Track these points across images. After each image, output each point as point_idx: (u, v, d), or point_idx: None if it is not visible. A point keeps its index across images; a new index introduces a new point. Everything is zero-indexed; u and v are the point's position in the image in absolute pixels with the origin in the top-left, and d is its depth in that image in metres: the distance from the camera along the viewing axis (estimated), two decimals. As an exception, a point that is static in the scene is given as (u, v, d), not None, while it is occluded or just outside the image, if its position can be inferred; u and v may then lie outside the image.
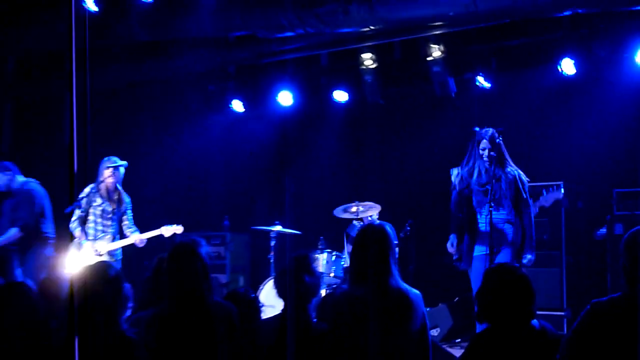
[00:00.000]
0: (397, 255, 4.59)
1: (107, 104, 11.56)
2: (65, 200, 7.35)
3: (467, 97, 9.70)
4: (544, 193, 7.66)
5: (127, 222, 7.80)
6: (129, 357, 3.95)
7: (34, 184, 8.37)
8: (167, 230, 7.56)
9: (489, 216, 6.36)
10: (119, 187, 7.76)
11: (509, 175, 6.52)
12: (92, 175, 7.48)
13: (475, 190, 6.60)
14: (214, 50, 10.21)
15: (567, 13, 7.97)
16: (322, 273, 8.42)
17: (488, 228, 6.35)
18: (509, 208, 6.51)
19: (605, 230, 8.52)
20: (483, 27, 8.46)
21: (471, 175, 6.61)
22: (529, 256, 6.46)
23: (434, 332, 8.48)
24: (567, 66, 8.77)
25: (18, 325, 3.99)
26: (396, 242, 7.91)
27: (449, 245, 6.75)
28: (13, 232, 8.00)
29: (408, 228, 9.04)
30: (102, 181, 7.65)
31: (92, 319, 3.84)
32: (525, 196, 6.53)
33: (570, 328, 3.73)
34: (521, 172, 6.62)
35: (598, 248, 8.61)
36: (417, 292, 4.46)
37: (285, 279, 4.40)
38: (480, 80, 9.42)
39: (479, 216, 6.57)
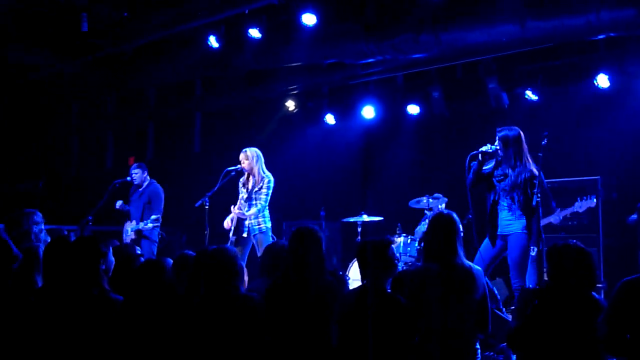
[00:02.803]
0: (461, 238, 4.54)
1: (226, 121, 11.83)
2: (194, 196, 7.63)
3: (518, 108, 9.49)
4: (579, 200, 7.43)
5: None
6: (251, 317, 4.02)
7: (158, 184, 8.70)
8: (239, 211, 7.46)
9: (490, 203, 6.10)
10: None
11: (522, 173, 6.00)
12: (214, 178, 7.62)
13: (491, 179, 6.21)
14: (311, 75, 10.35)
15: (601, 37, 7.77)
16: (400, 253, 8.42)
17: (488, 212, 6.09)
18: (511, 200, 6.04)
19: (636, 216, 8.23)
20: (531, 49, 8.29)
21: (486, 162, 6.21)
22: (534, 247, 5.88)
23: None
24: (602, 81, 8.52)
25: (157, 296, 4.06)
26: (461, 228, 7.84)
27: None
28: (154, 219, 8.26)
29: (470, 216, 8.87)
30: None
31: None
32: (530, 193, 5.93)
33: (607, 303, 3.63)
34: (536, 172, 6.04)
35: (630, 231, 8.31)
36: (479, 267, 4.44)
37: (364, 256, 4.34)
38: (529, 94, 9.23)
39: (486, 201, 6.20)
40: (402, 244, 8.55)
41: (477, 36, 8.01)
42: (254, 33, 9.05)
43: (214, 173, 7.80)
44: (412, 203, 8.91)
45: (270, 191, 7.48)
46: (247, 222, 7.45)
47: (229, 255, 4.13)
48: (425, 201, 8.72)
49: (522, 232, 5.97)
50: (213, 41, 9.50)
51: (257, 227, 7.47)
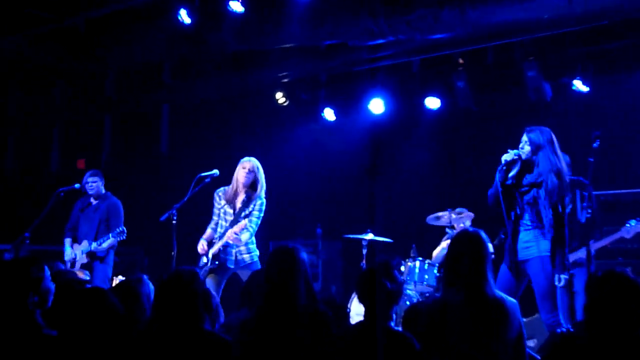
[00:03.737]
0: (492, 262, 4.47)
1: (200, 116, 11.81)
2: (159, 207, 7.60)
3: (563, 102, 9.46)
4: (627, 225, 7.27)
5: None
6: (222, 358, 4.03)
7: (115, 197, 8.83)
8: (238, 228, 7.49)
9: (512, 220, 6.01)
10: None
11: (554, 183, 5.93)
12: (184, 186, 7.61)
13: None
14: (306, 59, 10.30)
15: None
16: (414, 281, 8.37)
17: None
18: (536, 216, 5.98)
19: None
20: (580, 29, 8.25)
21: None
22: (561, 276, 5.83)
23: (531, 343, 8.27)
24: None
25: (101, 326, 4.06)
26: (492, 250, 7.74)
27: None
28: (116, 234, 8.35)
29: (502, 236, 8.80)
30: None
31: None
32: (561, 208, 5.90)
33: None
34: (582, 181, 6.08)
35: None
36: (513, 300, 4.37)
37: (366, 285, 4.37)
38: (577, 84, 9.18)
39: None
40: (417, 270, 8.48)
41: (512, 12, 7.95)
42: (235, 6, 9.00)
43: (183, 179, 7.75)
44: (431, 219, 8.87)
45: (262, 213, 7.54)
46: (234, 250, 7.45)
47: (191, 281, 4.15)
48: (446, 217, 8.69)
49: (544, 254, 5.91)
50: (184, 15, 9.46)
51: (248, 256, 7.49)
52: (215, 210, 7.64)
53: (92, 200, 8.78)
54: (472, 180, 10.43)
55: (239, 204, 7.50)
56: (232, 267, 7.43)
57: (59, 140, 13.32)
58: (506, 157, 6.03)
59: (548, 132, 6.09)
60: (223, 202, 7.58)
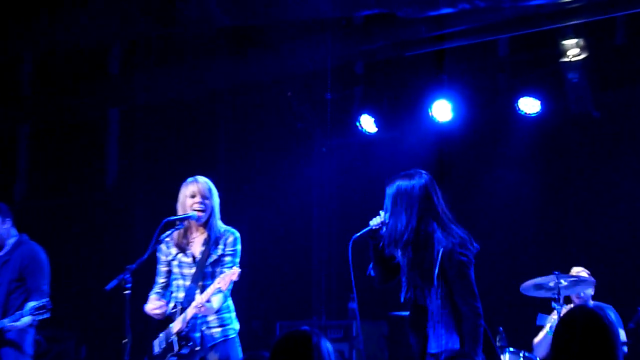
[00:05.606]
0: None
1: (168, 123, 11.86)
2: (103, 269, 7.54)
3: None
4: None
5: None
6: None
7: (33, 243, 8.82)
8: (222, 281, 7.53)
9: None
10: None
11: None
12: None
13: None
14: (333, 39, 10.36)
15: None
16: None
17: None
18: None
19: None
20: None
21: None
22: None
23: None
24: None
25: None
26: (624, 337, 7.70)
27: None
28: (33, 309, 8.17)
29: (640, 314, 8.79)
30: None
31: None
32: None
33: None
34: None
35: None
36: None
37: None
38: None
39: None
40: (508, 366, 8.55)
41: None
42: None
43: (141, 223, 7.70)
44: (527, 288, 8.80)
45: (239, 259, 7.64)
46: (198, 322, 7.46)
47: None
48: (553, 284, 8.58)
49: None
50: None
51: (220, 330, 7.49)
52: (162, 268, 7.70)
53: None
54: (593, 226, 10.37)
55: (198, 247, 7.59)
56: (198, 349, 7.45)
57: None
58: (372, 222, 6.70)
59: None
60: (174, 250, 7.64)
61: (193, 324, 7.39)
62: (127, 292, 7.24)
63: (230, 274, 7.21)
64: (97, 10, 10.20)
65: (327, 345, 4.40)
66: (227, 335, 7.48)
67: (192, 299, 7.34)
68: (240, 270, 7.22)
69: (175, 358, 7.41)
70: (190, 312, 7.33)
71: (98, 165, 12.68)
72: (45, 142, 12.97)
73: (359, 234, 6.68)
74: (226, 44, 11.01)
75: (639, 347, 8.75)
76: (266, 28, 10.48)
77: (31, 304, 8.24)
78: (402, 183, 6.69)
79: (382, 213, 6.69)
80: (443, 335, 6.41)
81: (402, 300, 6.63)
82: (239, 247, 7.54)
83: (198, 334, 7.40)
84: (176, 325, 7.39)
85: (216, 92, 11.71)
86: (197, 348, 7.39)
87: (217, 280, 7.23)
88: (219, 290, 7.28)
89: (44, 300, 8.29)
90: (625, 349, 8.35)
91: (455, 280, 6.37)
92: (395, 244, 6.59)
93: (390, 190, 6.74)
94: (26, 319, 8.27)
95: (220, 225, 7.60)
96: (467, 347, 6.25)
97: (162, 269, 7.62)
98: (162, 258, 7.62)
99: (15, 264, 8.64)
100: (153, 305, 7.46)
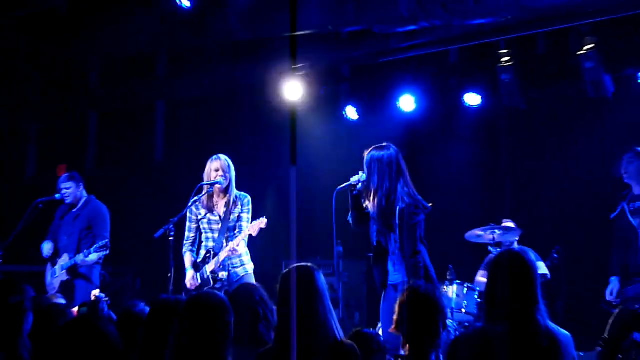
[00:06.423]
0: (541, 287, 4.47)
1: (201, 115, 11.80)
2: (153, 222, 7.63)
3: (628, 98, 9.42)
4: None
5: None
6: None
7: (99, 202, 8.92)
8: (253, 228, 7.58)
9: None
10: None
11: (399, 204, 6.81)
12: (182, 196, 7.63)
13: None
14: (324, 49, 10.34)
15: None
16: (451, 308, 8.36)
17: None
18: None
19: None
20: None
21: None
22: None
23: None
24: None
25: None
26: (544, 270, 7.86)
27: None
28: (99, 248, 8.33)
29: (555, 256, 8.79)
30: None
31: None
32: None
33: None
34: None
35: None
36: (566, 333, 4.36)
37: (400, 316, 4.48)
38: (644, 78, 9.21)
39: None
40: (454, 296, 8.48)
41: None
42: (243, -13, 9.08)
43: (182, 188, 7.82)
44: (470, 236, 8.87)
45: (251, 215, 7.78)
46: (227, 263, 7.66)
47: (225, 306, 4.08)
48: (489, 233, 8.68)
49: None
50: (184, -2, 9.48)
51: (241, 269, 7.73)
52: (192, 225, 7.86)
53: (70, 208, 8.84)
54: (519, 190, 10.43)
55: (222, 208, 7.78)
56: (225, 284, 7.62)
57: (37, 143, 13.33)
58: (353, 179, 7.00)
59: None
60: (203, 211, 7.82)
61: (223, 264, 7.60)
62: (170, 238, 7.45)
63: (259, 223, 7.48)
64: (151, 24, 10.14)
65: (322, 277, 4.54)
66: (247, 272, 7.72)
67: (222, 247, 7.60)
68: (267, 220, 7.47)
69: (209, 289, 7.46)
70: (222, 255, 7.57)
71: (149, 144, 12.70)
72: (109, 125, 12.86)
73: (341, 187, 7.00)
74: (231, 52, 10.90)
75: (554, 284, 8.81)
76: (273, 41, 10.38)
77: (97, 245, 8.33)
78: (375, 153, 6.95)
79: (360, 172, 6.98)
80: (398, 270, 6.72)
81: (373, 243, 6.92)
82: (250, 206, 7.76)
83: (226, 273, 7.63)
84: (210, 266, 7.61)
85: (232, 91, 11.62)
86: (226, 283, 7.61)
87: (249, 227, 7.50)
88: (250, 236, 7.54)
89: (105, 240, 8.39)
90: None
91: (405, 231, 6.61)
92: (368, 198, 6.89)
93: (367, 158, 6.98)
94: (93, 256, 8.39)
95: (236, 191, 7.78)
96: (409, 279, 6.51)
97: (193, 226, 7.85)
98: (193, 218, 7.84)
99: (84, 217, 8.76)
100: (191, 280, 7.70)
